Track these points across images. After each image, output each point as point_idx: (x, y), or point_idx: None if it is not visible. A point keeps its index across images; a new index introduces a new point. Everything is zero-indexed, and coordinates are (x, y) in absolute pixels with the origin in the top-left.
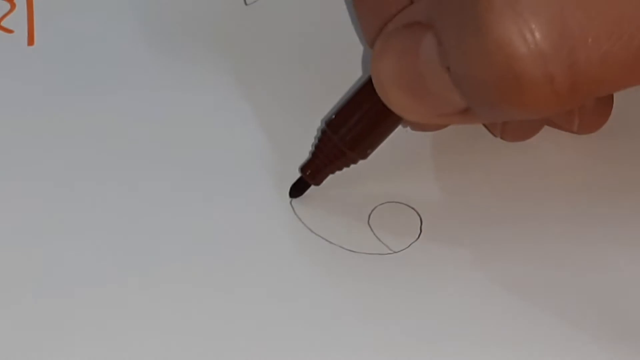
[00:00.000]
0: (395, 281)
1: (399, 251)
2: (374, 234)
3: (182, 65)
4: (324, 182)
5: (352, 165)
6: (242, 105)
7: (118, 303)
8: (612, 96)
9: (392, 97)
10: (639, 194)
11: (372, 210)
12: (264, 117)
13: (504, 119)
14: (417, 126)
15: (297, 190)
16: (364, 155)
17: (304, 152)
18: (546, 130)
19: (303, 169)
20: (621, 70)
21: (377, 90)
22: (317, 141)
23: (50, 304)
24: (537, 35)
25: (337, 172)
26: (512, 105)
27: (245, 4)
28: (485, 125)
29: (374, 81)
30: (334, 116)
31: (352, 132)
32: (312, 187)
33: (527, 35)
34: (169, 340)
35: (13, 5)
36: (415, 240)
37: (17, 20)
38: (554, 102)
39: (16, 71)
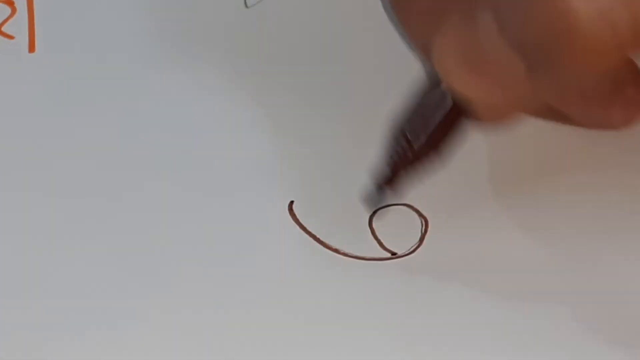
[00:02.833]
0: (397, 286)
1: (401, 256)
2: (376, 238)
3: (183, 68)
4: (325, 185)
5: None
6: (242, 106)
7: (117, 305)
8: None
9: (458, 78)
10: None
11: (374, 213)
12: (265, 119)
13: (561, 82)
14: (486, 121)
15: (375, 200)
16: (441, 157)
17: (305, 154)
18: (550, 133)
19: (380, 178)
20: None
21: (442, 77)
22: (391, 149)
23: (50, 305)
24: None
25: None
26: (573, 57)
27: (246, 6)
28: None
29: (439, 69)
30: (405, 123)
31: (426, 136)
32: (314, 190)
33: None
34: (167, 342)
35: (14, 10)
36: (419, 246)
37: (18, 25)
38: (615, 48)
39: (17, 79)
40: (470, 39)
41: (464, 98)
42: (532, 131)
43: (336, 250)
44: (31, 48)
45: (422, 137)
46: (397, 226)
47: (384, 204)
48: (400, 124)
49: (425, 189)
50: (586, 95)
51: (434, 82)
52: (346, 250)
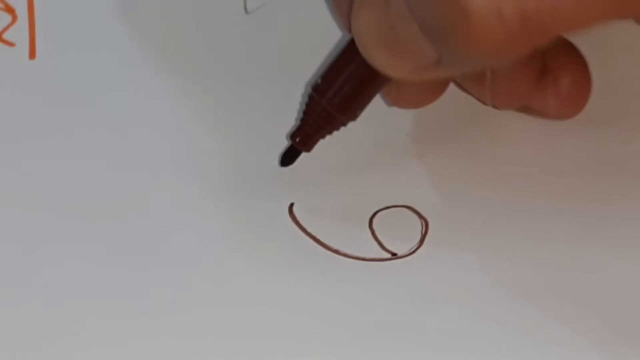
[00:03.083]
0: (397, 287)
1: (402, 256)
2: (376, 239)
3: (184, 74)
4: (325, 187)
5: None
6: (241, 111)
7: (114, 307)
8: (588, 80)
9: (372, 52)
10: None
11: (374, 215)
12: (264, 122)
13: (469, 66)
14: (401, 99)
15: (287, 158)
16: (354, 117)
17: (304, 156)
18: (548, 131)
19: (293, 136)
20: (574, 3)
21: (358, 48)
22: (305, 107)
23: (49, 305)
24: None
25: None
26: (465, 44)
27: (246, 12)
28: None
29: (355, 39)
30: (320, 80)
31: (340, 94)
32: (314, 192)
33: None
34: (167, 343)
35: (15, 18)
36: (419, 246)
37: (19, 32)
38: (505, 38)
39: (17, 85)
40: (382, 14)
41: (381, 72)
42: (533, 131)
43: (336, 251)
44: (32, 55)
45: (334, 96)
46: (398, 227)
47: (295, 159)
48: (316, 82)
49: (425, 190)
50: (508, 86)
51: (354, 48)
52: (346, 251)
